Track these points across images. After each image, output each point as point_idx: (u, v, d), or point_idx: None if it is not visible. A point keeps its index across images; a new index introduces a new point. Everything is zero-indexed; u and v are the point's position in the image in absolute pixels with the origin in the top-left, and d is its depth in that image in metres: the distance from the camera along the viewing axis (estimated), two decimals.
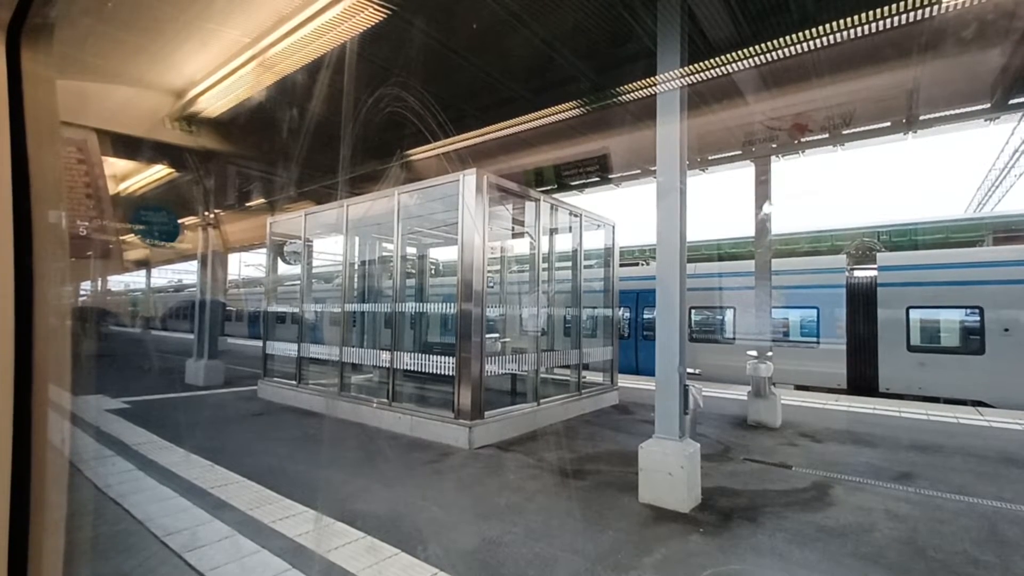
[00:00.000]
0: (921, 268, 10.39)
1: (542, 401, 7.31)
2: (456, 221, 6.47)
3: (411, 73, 7.41)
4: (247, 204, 13.40)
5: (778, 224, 19.83)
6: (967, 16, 5.34)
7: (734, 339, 12.19)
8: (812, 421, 7.58)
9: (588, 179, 10.10)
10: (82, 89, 7.46)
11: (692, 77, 4.80)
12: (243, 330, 28.44)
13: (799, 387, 10.86)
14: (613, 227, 9.56)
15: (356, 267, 9.98)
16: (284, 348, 9.43)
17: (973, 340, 9.53)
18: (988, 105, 7.16)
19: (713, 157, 9.48)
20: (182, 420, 7.69)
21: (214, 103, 8.31)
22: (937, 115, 7.65)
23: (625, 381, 10.43)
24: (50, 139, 0.94)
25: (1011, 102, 6.99)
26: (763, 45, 5.23)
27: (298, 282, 11.10)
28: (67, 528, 0.96)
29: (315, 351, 8.79)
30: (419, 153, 10.09)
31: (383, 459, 5.75)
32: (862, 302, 10.81)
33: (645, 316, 13.73)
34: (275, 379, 9.40)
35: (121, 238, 9.98)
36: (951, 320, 9.94)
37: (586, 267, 8.79)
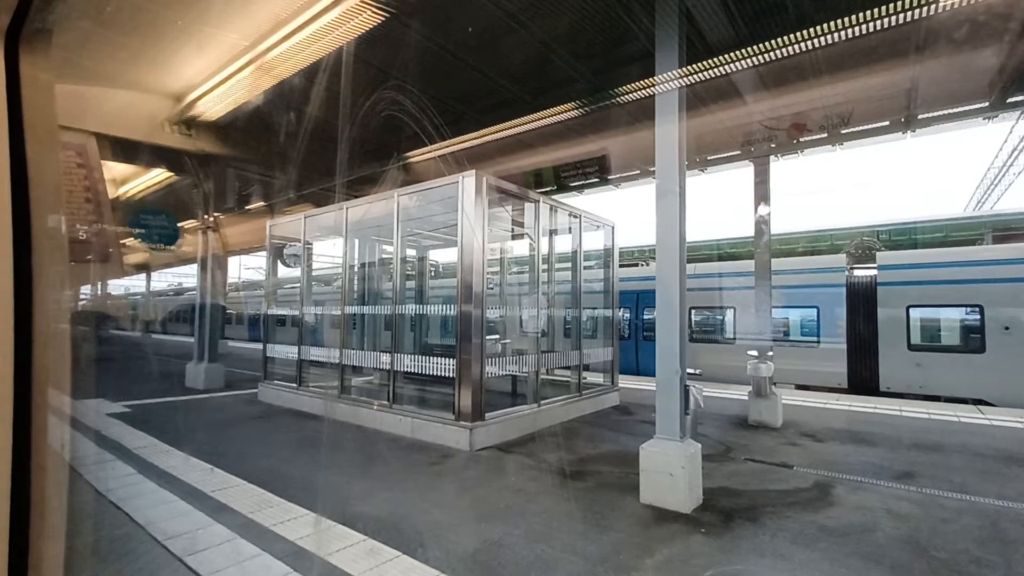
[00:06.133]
0: (921, 267, 10.39)
1: (543, 402, 7.31)
2: (455, 223, 6.47)
3: (409, 76, 7.42)
4: (246, 207, 13.43)
5: (777, 224, 19.85)
6: (964, 16, 5.36)
7: (734, 339, 12.18)
8: (813, 421, 7.57)
9: (587, 180, 10.11)
10: (81, 93, 7.47)
11: (690, 78, 4.80)
12: (243, 333, 28.42)
13: (800, 387, 10.85)
14: (613, 228, 9.56)
15: (356, 269, 9.98)
16: (284, 351, 9.43)
17: (973, 339, 9.53)
18: (986, 104, 7.17)
19: (712, 157, 9.49)
20: (182, 423, 7.68)
21: (213, 107, 8.33)
22: (935, 114, 7.66)
23: (625, 382, 10.42)
24: (49, 143, 0.94)
25: (1009, 100, 7.00)
26: (761, 45, 5.25)
27: (298, 285, 11.10)
28: (67, 532, 0.96)
29: (315, 354, 8.78)
30: (418, 155, 10.10)
31: (384, 461, 5.74)
32: (862, 301, 10.81)
33: (645, 317, 13.73)
34: (275, 382, 9.39)
35: (121, 242, 9.98)
36: (951, 319, 9.94)
37: (586, 268, 8.78)
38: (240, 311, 30.25)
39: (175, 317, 35.22)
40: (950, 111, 7.57)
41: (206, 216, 10.95)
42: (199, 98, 8.08)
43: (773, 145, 8.00)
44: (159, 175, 11.30)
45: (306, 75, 7.05)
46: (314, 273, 17.83)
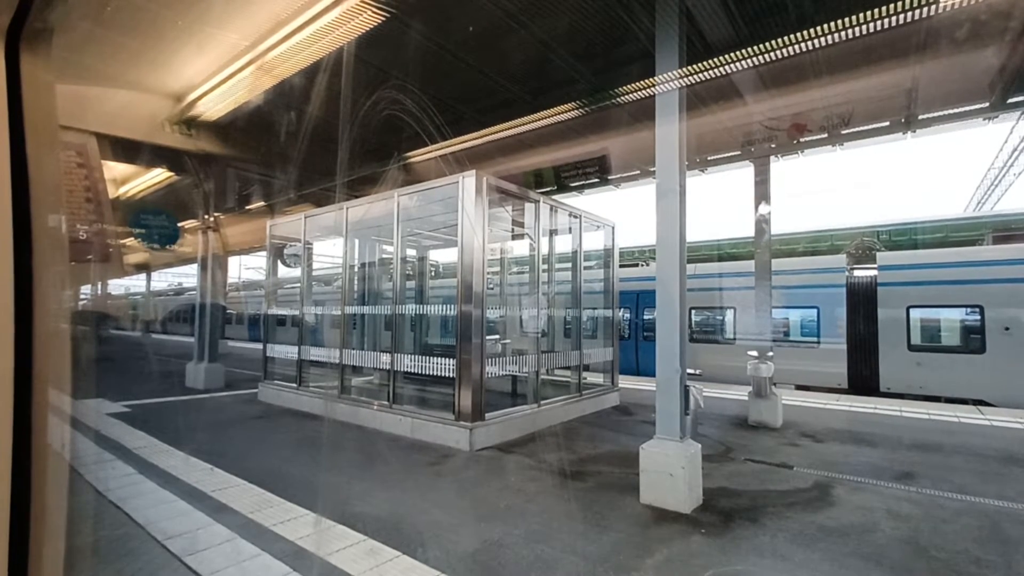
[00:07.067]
0: (921, 267, 10.39)
1: (543, 402, 7.31)
2: (456, 223, 6.47)
3: (409, 76, 7.42)
4: (247, 207, 13.43)
5: (778, 224, 19.84)
6: (964, 16, 5.36)
7: (734, 339, 12.18)
8: (813, 421, 7.57)
9: (587, 180, 10.11)
10: (82, 93, 7.47)
11: (691, 78, 4.81)
12: (243, 333, 28.42)
13: (800, 387, 10.85)
14: (613, 228, 9.57)
15: (356, 269, 9.98)
16: (284, 351, 9.43)
17: (974, 339, 9.53)
18: (987, 104, 7.17)
19: (712, 157, 9.49)
20: (182, 423, 7.68)
21: (213, 107, 8.33)
22: (936, 114, 7.66)
23: (626, 382, 10.42)
24: (50, 143, 0.94)
25: (1009, 101, 6.99)
26: (761, 46, 5.25)
27: (298, 285, 11.10)
28: (68, 532, 0.96)
29: (315, 354, 8.78)
30: (418, 155, 10.10)
31: (384, 461, 5.74)
32: (862, 302, 10.81)
33: (645, 317, 13.73)
34: (275, 382, 9.39)
35: (121, 242, 9.98)
36: (951, 319, 9.94)
37: (586, 268, 8.78)
38: (240, 311, 30.24)
39: (175, 317, 35.22)
40: (950, 111, 7.56)
41: (206, 216, 10.95)
42: (199, 98, 8.08)
43: (773, 145, 8.00)
44: (159, 175, 11.30)
45: (306, 75, 7.05)
46: (314, 273, 17.83)
